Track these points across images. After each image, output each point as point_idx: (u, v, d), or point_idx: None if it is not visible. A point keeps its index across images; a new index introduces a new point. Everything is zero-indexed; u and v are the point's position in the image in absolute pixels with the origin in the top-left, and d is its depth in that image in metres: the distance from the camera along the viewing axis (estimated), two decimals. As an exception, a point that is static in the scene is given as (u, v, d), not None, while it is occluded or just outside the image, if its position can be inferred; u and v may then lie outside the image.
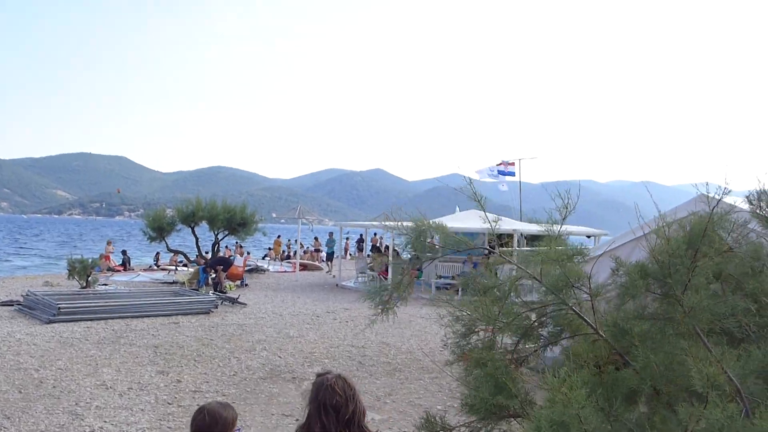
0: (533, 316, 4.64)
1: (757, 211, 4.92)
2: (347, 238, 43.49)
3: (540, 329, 4.68)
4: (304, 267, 29.82)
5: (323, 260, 37.18)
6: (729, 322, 3.74)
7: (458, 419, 4.76)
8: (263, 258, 36.03)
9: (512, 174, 31.83)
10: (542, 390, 3.50)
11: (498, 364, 4.25)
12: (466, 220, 21.43)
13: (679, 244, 4.01)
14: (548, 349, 4.76)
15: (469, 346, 4.67)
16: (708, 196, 4.45)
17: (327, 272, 28.85)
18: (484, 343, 4.61)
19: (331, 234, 32.31)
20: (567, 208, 4.72)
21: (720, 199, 4.29)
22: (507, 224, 20.11)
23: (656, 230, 4.31)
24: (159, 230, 25.90)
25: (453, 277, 21.07)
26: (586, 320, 4.31)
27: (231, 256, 24.60)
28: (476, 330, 4.68)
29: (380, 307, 5.09)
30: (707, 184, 4.71)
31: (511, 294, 4.77)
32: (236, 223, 26.76)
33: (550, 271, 4.42)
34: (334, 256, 33.35)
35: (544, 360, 4.63)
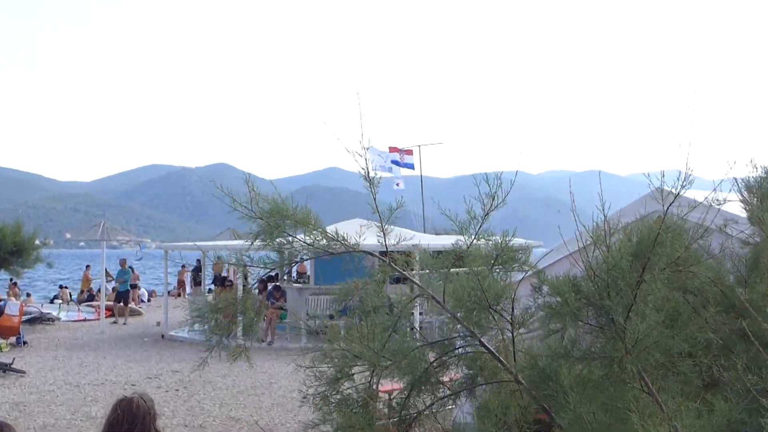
0: (432, 356, 4.75)
1: (746, 207, 5.24)
2: (183, 266, 42.67)
3: (440, 373, 4.79)
4: (113, 312, 28.98)
5: (143, 300, 36.27)
6: (685, 363, 3.97)
7: None
8: (52, 301, 34.77)
9: (410, 166, 32.46)
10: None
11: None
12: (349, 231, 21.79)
13: (623, 253, 4.25)
14: (453, 402, 4.88)
15: (339, 396, 4.66)
16: (663, 192, 4.73)
17: (113, 322, 27.73)
18: (359, 394, 4.67)
19: (123, 262, 31.07)
20: (493, 199, 4.85)
21: (679, 194, 4.55)
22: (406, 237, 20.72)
23: (595, 236, 4.52)
24: None
25: (331, 316, 21.19)
26: (499, 360, 4.46)
27: (0, 300, 23.63)
28: (350, 373, 4.73)
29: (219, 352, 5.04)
30: (663, 175, 4.99)
31: (402, 321, 4.87)
32: (6, 250, 25.52)
33: (460, 288, 4.54)
34: (143, 294, 32.48)
35: (444, 420, 4.74)
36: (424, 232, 33.38)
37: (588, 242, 5.28)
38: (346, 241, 5.02)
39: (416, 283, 4.80)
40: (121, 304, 28.86)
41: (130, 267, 37.28)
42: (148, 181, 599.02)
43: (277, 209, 5.11)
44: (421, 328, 8.88)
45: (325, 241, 5.07)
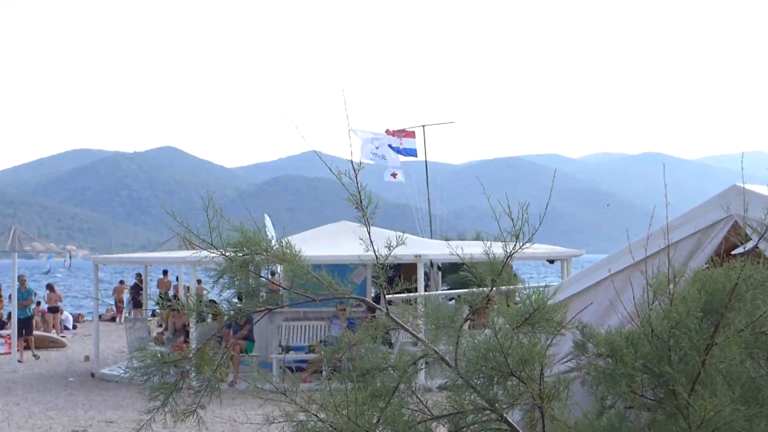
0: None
1: None
2: (121, 282, 42.58)
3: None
4: (29, 344, 28.96)
5: (67, 327, 36.23)
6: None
7: None
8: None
9: (412, 153, 32.55)
10: None
11: None
12: (334, 241, 21.64)
13: (690, 307, 4.20)
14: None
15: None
16: (744, 194, 4.67)
17: (20, 360, 27.34)
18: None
19: (22, 279, 29.98)
20: (522, 218, 4.80)
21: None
22: (409, 245, 20.88)
23: (656, 283, 4.42)
24: None
25: (311, 348, 21.20)
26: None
27: None
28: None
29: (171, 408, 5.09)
30: (742, 156, 4.92)
31: (404, 386, 4.85)
32: None
33: (475, 349, 4.57)
34: (66, 320, 32.01)
35: None
36: (431, 235, 33.49)
37: (643, 255, 5.26)
38: (338, 288, 5.07)
39: (421, 340, 4.83)
40: (25, 334, 28.34)
41: (49, 285, 37.22)
42: (72, 170, 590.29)
43: (249, 241, 5.17)
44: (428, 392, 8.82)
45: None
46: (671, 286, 4.35)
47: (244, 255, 5.19)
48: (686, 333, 4.06)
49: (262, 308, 5.41)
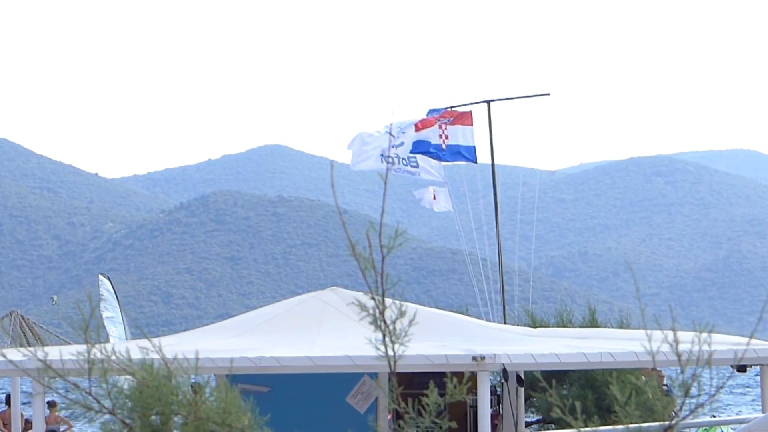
0: None
1: None
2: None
3: None
4: None
5: None
6: None
7: None
8: None
9: (467, 153, 20.41)
10: None
11: None
12: (316, 327, 13.84)
13: None
14: None
15: None
16: None
17: None
18: None
19: None
20: None
21: None
22: (460, 336, 14.63)
23: None
24: None
25: None
26: None
27: None
28: None
29: None
30: None
31: None
32: None
33: None
34: None
35: None
36: (504, 317, 21.83)
37: None
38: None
39: None
40: None
41: None
42: None
43: (149, 396, 3.89)
44: None
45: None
46: None
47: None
48: None
49: None
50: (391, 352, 3.45)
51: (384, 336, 3.43)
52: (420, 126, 20.30)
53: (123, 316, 36.04)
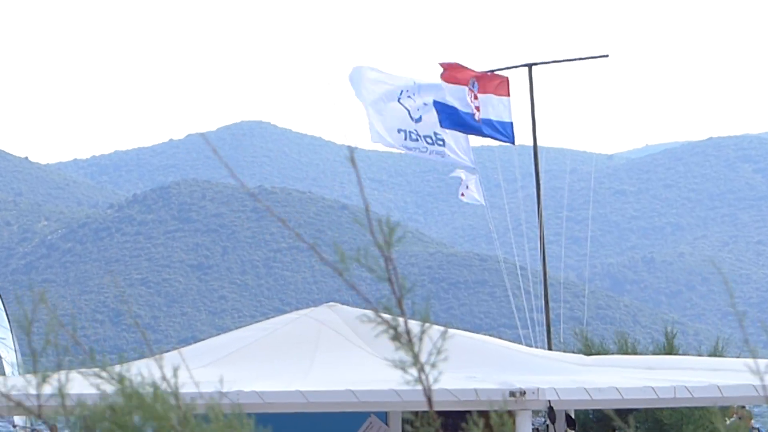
0: None
1: None
2: None
3: None
4: None
5: None
6: None
7: None
8: None
9: (507, 132, 20.52)
10: None
11: None
12: (311, 353, 14.80)
13: None
14: None
15: None
16: None
17: None
18: None
19: None
20: None
21: None
22: (494, 367, 15.10)
23: None
24: None
25: None
26: None
27: None
28: None
29: None
30: None
31: None
32: None
33: None
34: None
35: None
36: (547, 342, 23.09)
37: None
38: None
39: None
40: None
41: None
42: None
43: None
44: None
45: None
46: None
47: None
48: None
49: None
50: (425, 381, 3.19)
51: (416, 359, 3.13)
52: (448, 76, 19.60)
53: (14, 339, 35.98)
